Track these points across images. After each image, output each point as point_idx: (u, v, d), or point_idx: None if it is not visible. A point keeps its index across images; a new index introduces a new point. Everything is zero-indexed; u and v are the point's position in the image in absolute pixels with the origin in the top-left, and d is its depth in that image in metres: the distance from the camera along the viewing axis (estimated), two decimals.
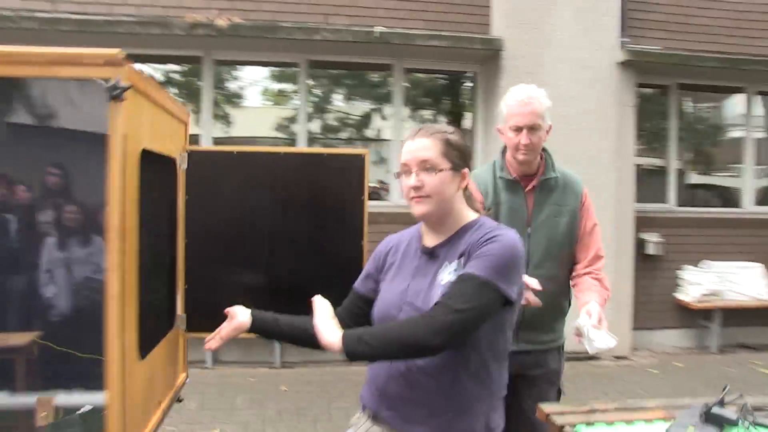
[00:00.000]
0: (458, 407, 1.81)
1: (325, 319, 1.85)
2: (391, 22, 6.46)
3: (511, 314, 1.86)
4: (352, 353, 1.73)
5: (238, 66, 6.91)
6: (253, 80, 7.05)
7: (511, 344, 1.91)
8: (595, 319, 2.36)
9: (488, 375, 1.84)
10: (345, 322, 2.00)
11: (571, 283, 2.76)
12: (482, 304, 1.72)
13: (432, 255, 1.90)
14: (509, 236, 1.82)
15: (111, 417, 1.73)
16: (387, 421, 1.87)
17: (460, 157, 1.87)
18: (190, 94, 6.77)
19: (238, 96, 7.07)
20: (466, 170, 1.90)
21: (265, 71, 7.06)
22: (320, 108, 7.10)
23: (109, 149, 1.71)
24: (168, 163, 2.42)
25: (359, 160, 2.66)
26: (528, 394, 2.76)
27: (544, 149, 2.73)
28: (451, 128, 1.93)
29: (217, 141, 6.65)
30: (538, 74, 6.43)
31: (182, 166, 2.55)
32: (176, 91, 6.89)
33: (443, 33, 6.34)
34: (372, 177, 7.12)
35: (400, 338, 1.71)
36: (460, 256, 1.83)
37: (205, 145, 6.45)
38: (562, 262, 2.71)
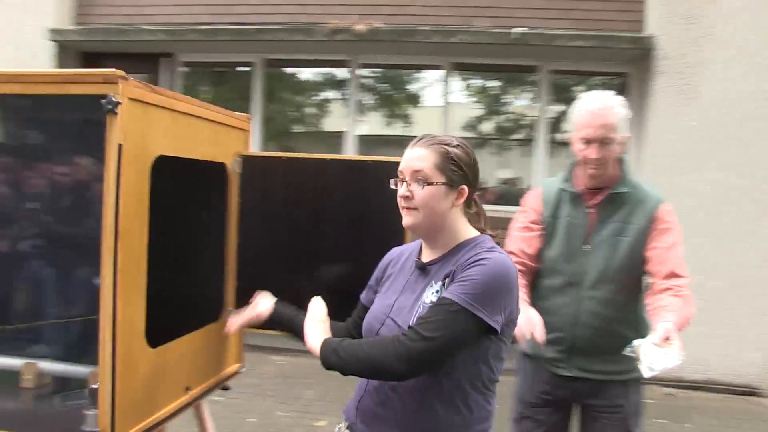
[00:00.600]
0: None
1: (313, 322, 1.89)
2: (536, 22, 6.26)
3: (497, 344, 1.75)
4: (326, 362, 1.75)
5: (383, 69, 7.10)
6: (397, 82, 7.20)
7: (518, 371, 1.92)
8: (659, 336, 2.05)
9: (466, 405, 1.74)
10: (350, 331, 2.04)
11: (647, 303, 2.44)
12: (454, 332, 1.63)
13: (424, 271, 1.84)
14: (499, 259, 1.71)
15: (102, 393, 1.93)
16: None
17: (459, 172, 1.78)
18: (339, 95, 7.10)
19: (386, 97, 7.27)
20: (464, 187, 1.80)
21: (412, 73, 7.18)
22: (465, 109, 7.06)
23: (106, 156, 1.90)
24: (213, 168, 2.59)
25: (396, 168, 2.64)
26: (590, 428, 2.57)
27: (621, 160, 2.49)
28: (456, 141, 1.83)
29: (362, 139, 6.92)
30: (696, 75, 5.87)
31: (236, 170, 2.72)
32: (326, 93, 7.27)
33: (587, 32, 6.00)
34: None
35: (367, 358, 1.69)
36: (446, 276, 1.76)
37: (350, 143, 6.74)
38: (621, 285, 2.45)
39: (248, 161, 2.75)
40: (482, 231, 1.87)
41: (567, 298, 2.49)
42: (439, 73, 6.81)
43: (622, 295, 2.45)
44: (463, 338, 1.65)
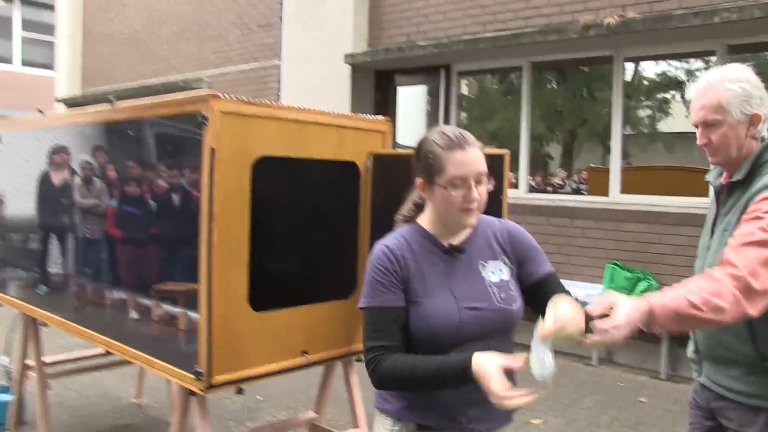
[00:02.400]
0: None
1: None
2: None
3: None
4: None
5: (648, 60, 6.64)
6: (665, 73, 6.65)
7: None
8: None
9: None
10: (402, 346, 1.82)
11: None
12: None
13: (458, 253, 1.89)
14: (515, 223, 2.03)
15: (200, 342, 2.51)
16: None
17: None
18: (600, 92, 6.86)
19: (653, 91, 6.79)
20: None
21: (680, 63, 6.57)
22: None
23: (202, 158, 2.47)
24: (339, 165, 3.01)
25: (499, 160, 2.72)
26: None
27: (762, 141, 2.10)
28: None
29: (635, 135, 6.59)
30: None
31: (368, 167, 3.10)
32: (597, 91, 7.07)
33: None
34: None
35: None
36: (501, 254, 1.92)
37: (615, 141, 6.51)
38: None
39: (378, 159, 3.10)
40: None
41: None
42: (711, 60, 6.10)
43: None
44: None
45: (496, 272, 1.87)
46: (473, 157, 1.79)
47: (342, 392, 3.40)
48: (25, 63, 20.25)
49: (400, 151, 3.24)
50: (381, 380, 1.78)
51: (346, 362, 3.26)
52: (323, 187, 3.03)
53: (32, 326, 4.02)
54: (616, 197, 6.51)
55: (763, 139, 2.10)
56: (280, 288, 2.82)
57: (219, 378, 2.55)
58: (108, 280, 3.24)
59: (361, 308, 1.85)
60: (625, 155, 6.72)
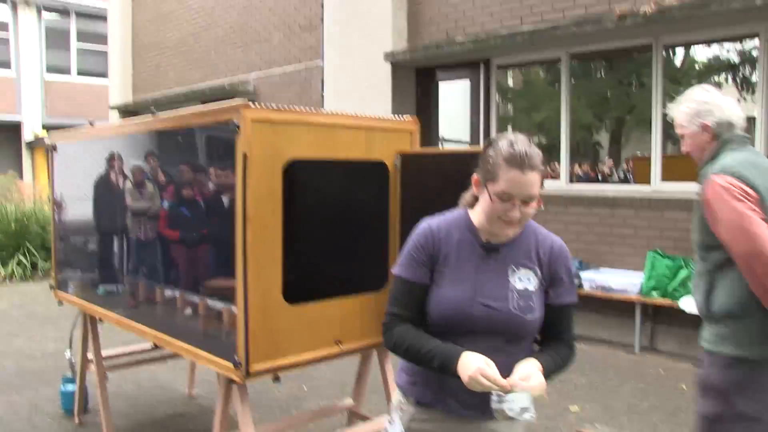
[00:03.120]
0: None
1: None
2: None
3: None
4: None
5: (689, 46, 6.55)
6: (716, 57, 6.54)
7: None
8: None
9: None
10: (416, 317, 1.97)
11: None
12: None
13: (496, 252, 1.95)
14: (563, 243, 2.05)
15: (238, 334, 2.69)
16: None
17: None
18: (646, 79, 6.80)
19: (702, 75, 6.69)
20: None
21: (730, 45, 6.45)
22: None
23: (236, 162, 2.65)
24: (369, 165, 3.15)
25: None
26: None
27: (720, 139, 2.61)
28: (537, 150, 1.87)
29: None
30: None
31: (397, 166, 3.23)
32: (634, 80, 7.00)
33: None
34: None
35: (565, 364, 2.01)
36: (533, 265, 1.95)
37: (658, 129, 6.47)
38: (699, 256, 2.62)
39: (406, 158, 3.23)
40: None
41: None
42: (754, 42, 5.99)
43: (701, 266, 2.60)
44: None
45: (524, 280, 1.93)
46: (528, 180, 1.81)
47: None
48: (80, 72, 21.10)
49: (426, 149, 3.38)
50: (388, 342, 1.98)
51: (381, 351, 3.41)
52: (354, 187, 3.18)
53: (91, 323, 4.30)
54: (657, 185, 6.47)
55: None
56: (313, 282, 2.99)
57: (256, 367, 2.73)
58: (158, 279, 3.46)
59: (393, 273, 2.01)
60: (675, 142, 6.66)
